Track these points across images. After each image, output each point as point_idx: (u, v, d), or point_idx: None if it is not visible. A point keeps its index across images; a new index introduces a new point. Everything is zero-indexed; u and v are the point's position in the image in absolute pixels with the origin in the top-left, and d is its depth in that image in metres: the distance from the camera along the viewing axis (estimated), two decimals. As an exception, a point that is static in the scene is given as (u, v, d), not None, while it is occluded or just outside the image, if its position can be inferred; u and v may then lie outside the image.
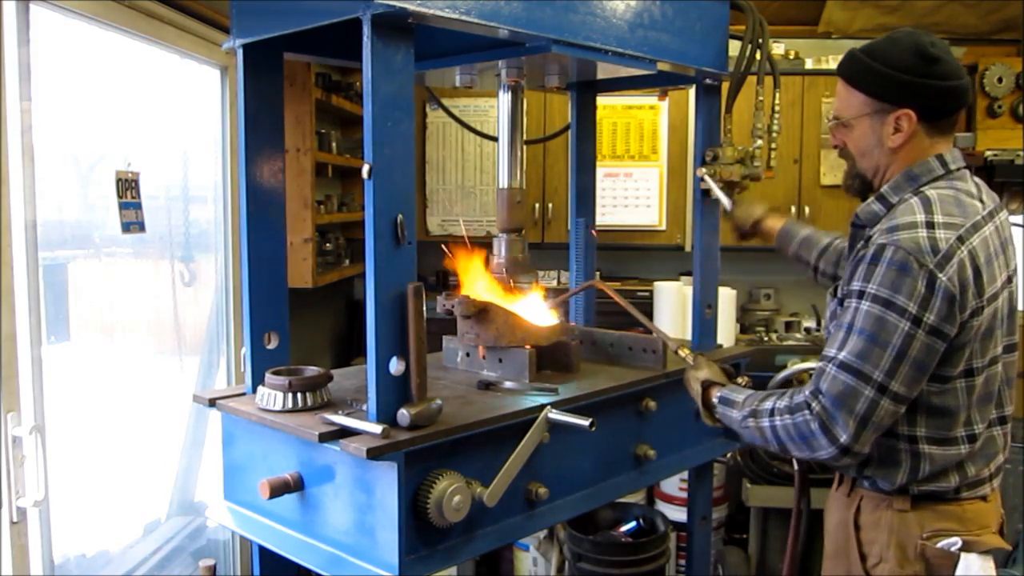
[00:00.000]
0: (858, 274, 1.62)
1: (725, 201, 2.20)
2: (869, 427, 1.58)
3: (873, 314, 1.57)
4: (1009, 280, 1.72)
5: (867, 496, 1.76)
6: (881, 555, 1.72)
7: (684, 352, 1.94)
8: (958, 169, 1.74)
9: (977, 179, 1.77)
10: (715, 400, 1.84)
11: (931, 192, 1.67)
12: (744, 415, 1.75)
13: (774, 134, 2.26)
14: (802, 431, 1.62)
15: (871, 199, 1.78)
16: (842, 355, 1.60)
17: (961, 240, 1.59)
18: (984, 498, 1.73)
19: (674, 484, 3.65)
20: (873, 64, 1.71)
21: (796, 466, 2.07)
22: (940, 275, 1.55)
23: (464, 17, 1.53)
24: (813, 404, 1.61)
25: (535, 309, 2.05)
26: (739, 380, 1.94)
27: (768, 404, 1.71)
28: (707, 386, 1.87)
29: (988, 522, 1.73)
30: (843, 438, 1.58)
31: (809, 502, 2.13)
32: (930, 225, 1.59)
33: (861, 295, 1.60)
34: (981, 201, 1.70)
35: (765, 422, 1.69)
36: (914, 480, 1.69)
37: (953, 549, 1.65)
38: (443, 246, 2.02)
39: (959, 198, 1.66)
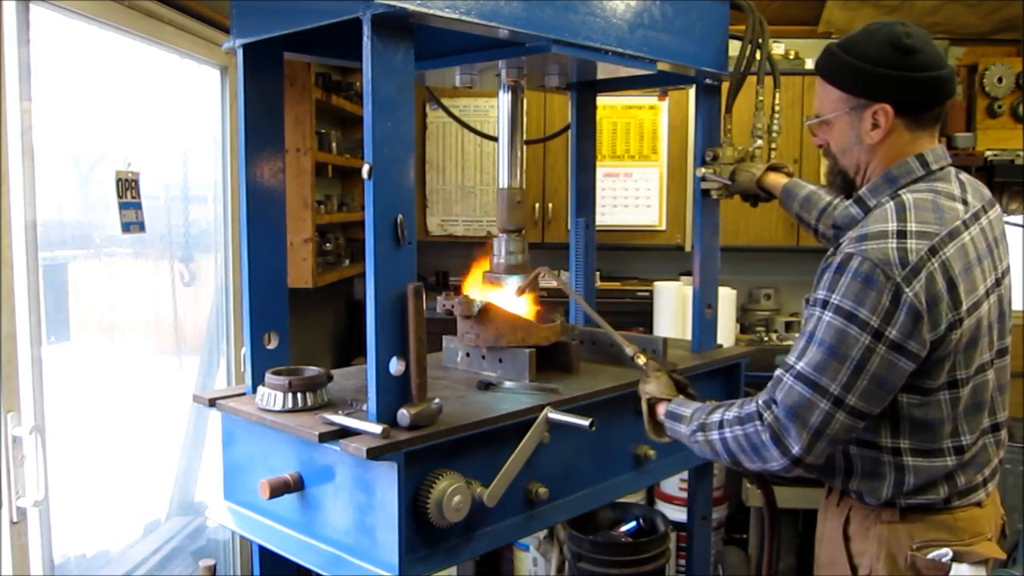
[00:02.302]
0: (824, 282, 1.56)
1: (725, 180, 2.20)
2: (823, 440, 1.53)
3: (835, 326, 1.52)
4: (998, 283, 1.64)
5: (856, 507, 1.72)
6: (871, 566, 1.67)
7: (641, 359, 1.88)
8: (940, 168, 1.66)
9: (964, 176, 1.70)
10: (662, 417, 1.79)
11: (907, 196, 1.60)
12: (692, 430, 1.69)
13: (774, 134, 2.26)
14: (753, 442, 1.58)
15: (849, 202, 1.73)
16: (800, 365, 1.55)
17: (933, 251, 1.51)
18: (979, 504, 1.67)
19: (674, 484, 3.65)
20: (847, 59, 1.64)
21: (755, 478, 2.04)
22: (907, 289, 1.48)
23: (464, 17, 1.52)
24: (766, 415, 1.57)
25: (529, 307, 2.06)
26: (690, 391, 1.85)
27: (716, 416, 1.65)
28: (654, 403, 1.82)
29: (982, 529, 1.67)
30: (795, 450, 1.54)
31: (776, 505, 2.14)
32: (901, 235, 1.52)
33: (825, 304, 1.54)
34: (964, 203, 1.62)
35: (714, 435, 1.64)
36: (900, 493, 1.64)
37: (944, 560, 1.60)
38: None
39: (937, 202, 1.59)
